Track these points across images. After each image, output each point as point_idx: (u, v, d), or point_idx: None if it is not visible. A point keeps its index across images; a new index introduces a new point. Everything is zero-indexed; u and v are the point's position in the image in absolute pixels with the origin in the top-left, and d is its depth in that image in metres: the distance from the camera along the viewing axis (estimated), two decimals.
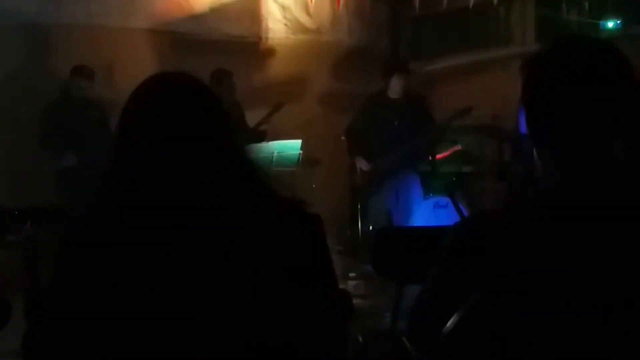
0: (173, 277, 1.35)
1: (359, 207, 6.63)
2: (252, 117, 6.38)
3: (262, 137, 6.23)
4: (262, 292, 1.38)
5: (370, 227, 6.22)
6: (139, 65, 6.64)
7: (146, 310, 1.34)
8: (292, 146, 6.26)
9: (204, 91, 1.54)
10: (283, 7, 7.65)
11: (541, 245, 1.24)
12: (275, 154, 6.02)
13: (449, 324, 1.22)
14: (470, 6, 6.82)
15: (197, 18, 7.18)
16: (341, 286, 1.67)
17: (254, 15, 7.49)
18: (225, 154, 1.49)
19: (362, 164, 6.07)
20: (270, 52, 7.30)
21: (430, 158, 6.35)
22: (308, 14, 7.77)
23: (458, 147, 6.68)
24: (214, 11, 7.26)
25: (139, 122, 1.48)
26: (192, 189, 1.42)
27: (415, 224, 5.93)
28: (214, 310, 1.34)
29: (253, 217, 1.43)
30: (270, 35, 7.57)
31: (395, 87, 5.88)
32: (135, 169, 1.45)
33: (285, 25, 7.70)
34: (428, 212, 6.23)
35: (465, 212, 5.95)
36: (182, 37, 7.01)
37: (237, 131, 1.57)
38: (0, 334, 2.53)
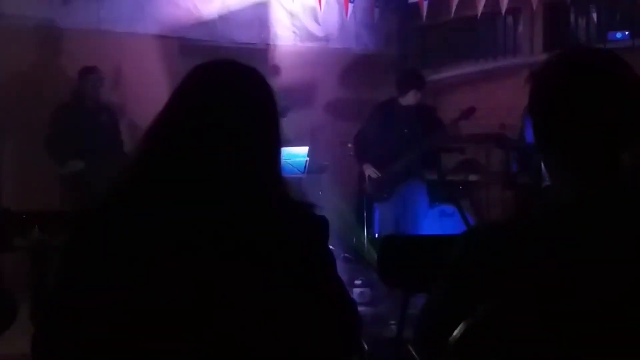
0: (181, 275, 1.35)
1: (365, 214, 6.63)
2: None
3: None
4: (265, 294, 1.38)
5: (377, 235, 6.21)
6: (147, 71, 6.68)
7: (155, 311, 1.34)
8: (298, 153, 6.27)
9: (260, 80, 1.59)
10: (291, 15, 7.67)
11: (549, 256, 1.24)
12: (282, 160, 5.99)
13: (455, 333, 1.23)
14: (478, 15, 6.81)
15: (206, 24, 7.21)
16: None
17: (263, 23, 7.52)
18: (266, 149, 1.56)
19: (370, 171, 6.05)
20: (276, 70, 7.27)
21: (437, 166, 6.34)
22: (316, 21, 7.79)
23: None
24: (222, 18, 7.29)
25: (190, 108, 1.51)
26: (216, 182, 1.43)
27: (421, 232, 5.92)
28: (217, 311, 1.34)
29: (266, 216, 1.44)
30: (279, 42, 7.59)
31: (410, 99, 5.87)
32: (156, 162, 1.46)
33: (294, 32, 7.72)
34: (434, 220, 6.23)
35: (472, 221, 5.95)
36: (190, 43, 7.03)
37: (279, 126, 1.62)
38: (8, 337, 2.54)
